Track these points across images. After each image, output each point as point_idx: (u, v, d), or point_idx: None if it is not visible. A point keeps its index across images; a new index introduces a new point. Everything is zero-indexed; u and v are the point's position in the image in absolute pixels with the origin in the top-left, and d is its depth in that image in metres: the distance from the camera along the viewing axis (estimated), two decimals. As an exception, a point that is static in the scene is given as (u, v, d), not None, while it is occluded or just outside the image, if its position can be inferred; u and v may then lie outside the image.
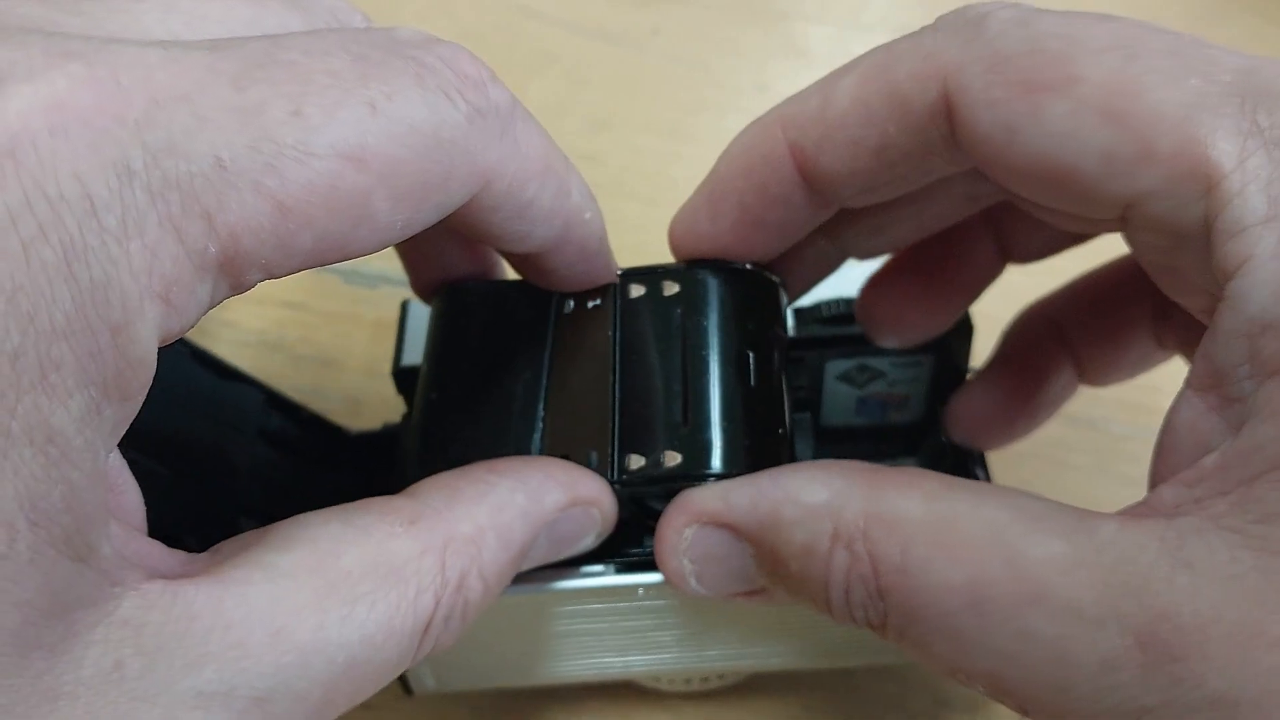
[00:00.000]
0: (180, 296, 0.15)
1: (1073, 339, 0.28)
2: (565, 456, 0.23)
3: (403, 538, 0.19)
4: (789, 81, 0.47)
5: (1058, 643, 0.17)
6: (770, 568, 0.21)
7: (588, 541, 0.23)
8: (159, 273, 0.15)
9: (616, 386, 0.23)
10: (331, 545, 0.18)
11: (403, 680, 0.27)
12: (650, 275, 0.24)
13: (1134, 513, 0.18)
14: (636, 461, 0.22)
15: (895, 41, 0.21)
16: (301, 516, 0.19)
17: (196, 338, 0.38)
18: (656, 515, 0.23)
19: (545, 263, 0.23)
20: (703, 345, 0.23)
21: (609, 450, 0.22)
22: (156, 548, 0.18)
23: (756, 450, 0.22)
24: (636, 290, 0.24)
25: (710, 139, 0.45)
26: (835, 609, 0.20)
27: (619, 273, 0.24)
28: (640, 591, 0.24)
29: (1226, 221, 0.17)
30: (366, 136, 0.16)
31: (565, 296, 0.25)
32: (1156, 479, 0.19)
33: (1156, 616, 0.16)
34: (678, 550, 0.22)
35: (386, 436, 0.27)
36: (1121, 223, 0.19)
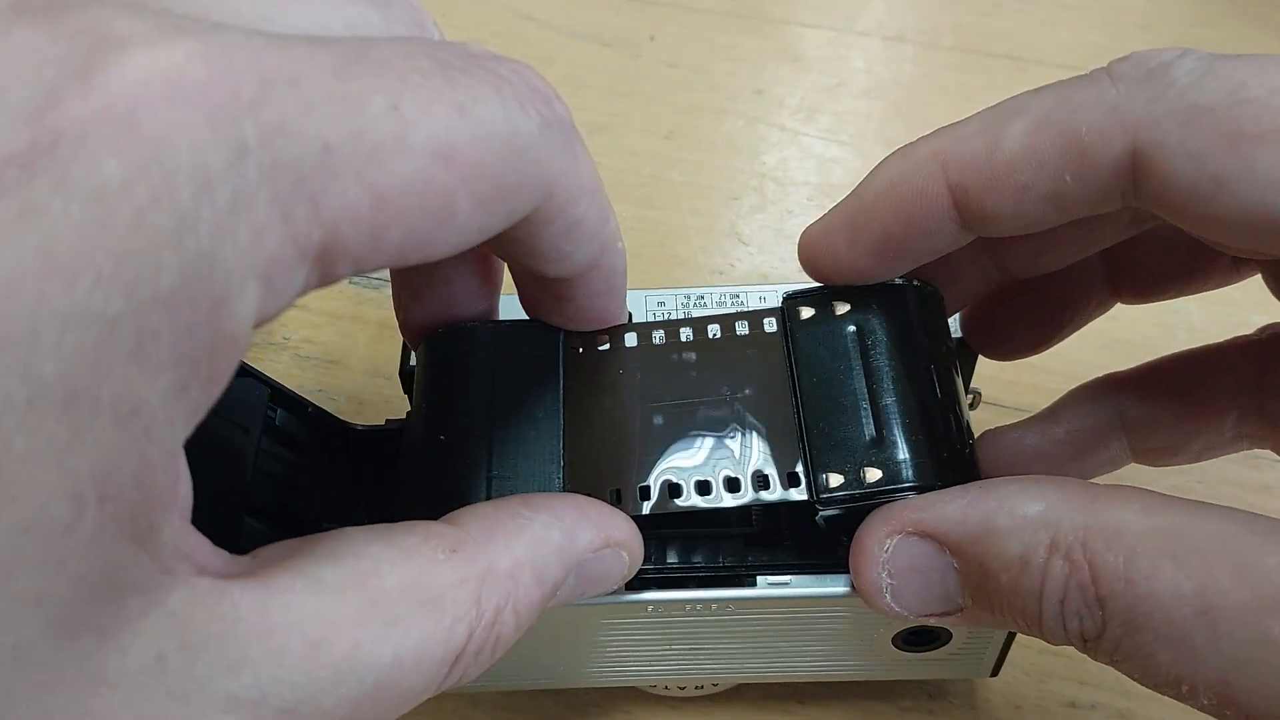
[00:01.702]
0: (280, 278, 0.15)
1: (1133, 423, 0.28)
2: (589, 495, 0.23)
3: (444, 565, 0.19)
4: (785, 85, 0.48)
5: None
6: (977, 581, 0.21)
7: (614, 585, 0.23)
8: (263, 252, 0.15)
9: (799, 407, 0.23)
10: (375, 564, 0.18)
11: None
12: (818, 296, 0.24)
13: None
14: (835, 479, 0.22)
15: (1066, 88, 0.21)
16: (344, 531, 0.19)
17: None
18: (842, 531, 0.23)
19: (571, 290, 0.23)
20: (885, 361, 0.23)
21: (792, 469, 0.22)
22: (204, 542, 0.18)
23: (951, 463, 0.23)
24: (806, 312, 0.24)
25: (707, 142, 0.46)
26: (1047, 621, 0.20)
27: (634, 320, 0.25)
28: (650, 608, 0.25)
29: None
30: (456, 136, 0.16)
31: (572, 338, 0.25)
32: None
33: None
34: (877, 561, 0.22)
35: (391, 432, 0.27)
36: None
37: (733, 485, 0.23)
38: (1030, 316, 0.28)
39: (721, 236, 0.43)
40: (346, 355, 0.39)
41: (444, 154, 0.16)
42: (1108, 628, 0.19)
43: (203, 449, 0.25)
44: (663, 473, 0.23)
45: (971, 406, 0.29)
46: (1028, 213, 0.21)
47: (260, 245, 0.15)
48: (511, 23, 0.50)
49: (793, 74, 0.48)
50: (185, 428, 0.15)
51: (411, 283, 0.25)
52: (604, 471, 0.23)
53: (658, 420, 0.24)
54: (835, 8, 0.51)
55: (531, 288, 0.24)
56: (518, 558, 0.20)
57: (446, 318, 0.25)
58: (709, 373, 0.24)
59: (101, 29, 0.14)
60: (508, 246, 0.21)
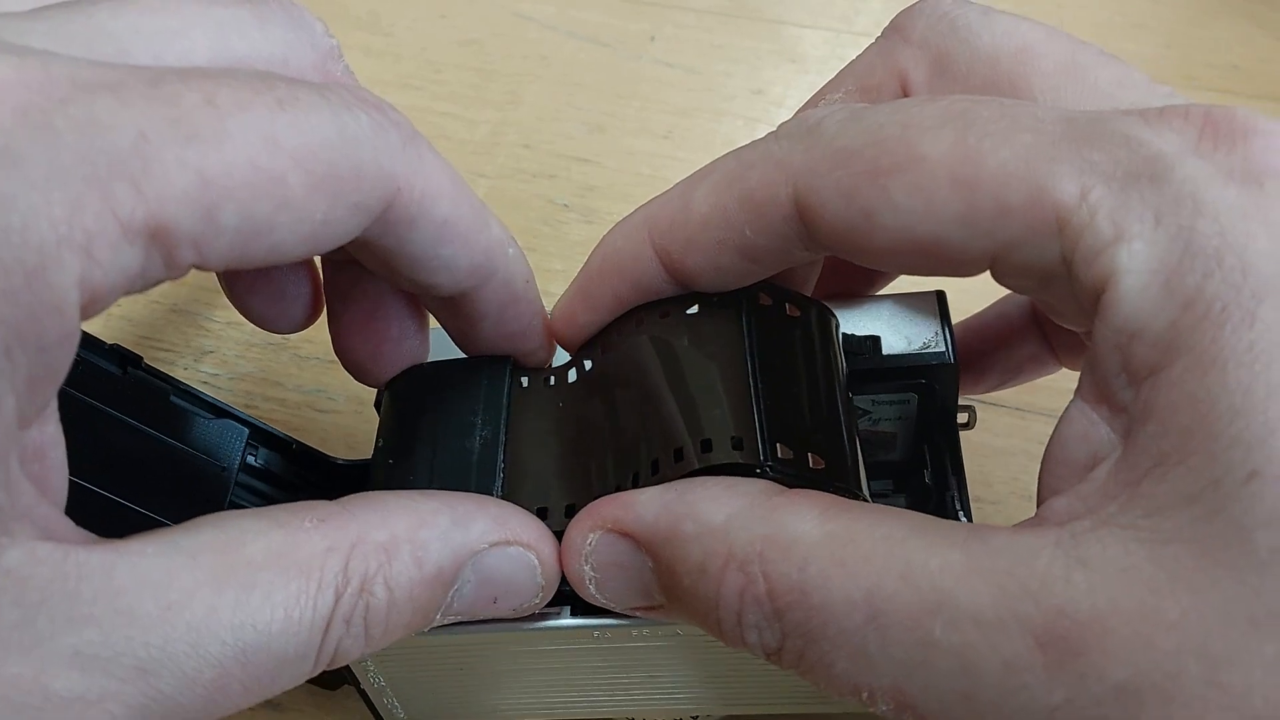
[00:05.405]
0: (104, 253, 0.16)
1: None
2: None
3: (311, 533, 0.19)
4: (783, 85, 0.48)
5: (959, 650, 0.17)
6: (666, 583, 0.21)
7: (527, 595, 0.22)
8: (80, 226, 0.15)
9: (756, 379, 0.23)
10: (238, 534, 0.18)
11: (374, 710, 0.28)
12: (778, 292, 0.24)
13: (1027, 523, 0.19)
14: (785, 452, 0.22)
15: (744, 149, 0.22)
16: (220, 513, 0.19)
17: (201, 337, 0.39)
18: None
19: (473, 307, 0.24)
20: (830, 373, 0.24)
21: (751, 436, 0.22)
22: (65, 523, 0.18)
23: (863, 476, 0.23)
24: (764, 299, 0.24)
25: (705, 143, 0.46)
26: (725, 630, 0.20)
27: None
28: (595, 634, 0.24)
29: (1083, 251, 0.18)
30: (276, 124, 0.17)
31: (520, 372, 0.25)
32: (1047, 491, 0.19)
33: (1054, 614, 0.16)
34: (580, 554, 0.22)
35: None
36: (991, 273, 0.20)
37: (678, 454, 0.22)
38: (978, 375, 0.30)
39: (719, 236, 0.43)
40: (346, 355, 0.39)
41: (266, 138, 0.17)
42: (787, 639, 0.19)
43: (174, 484, 0.25)
44: (591, 487, 0.23)
45: (968, 425, 0.30)
46: (725, 267, 0.23)
47: (76, 219, 0.15)
48: (511, 23, 0.50)
49: (791, 74, 0.48)
50: (21, 398, 0.16)
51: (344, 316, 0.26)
52: (533, 492, 0.23)
53: (592, 438, 0.24)
54: (832, 8, 0.51)
55: (449, 319, 0.25)
56: (394, 534, 0.20)
57: (379, 354, 0.26)
58: (641, 367, 0.24)
59: None
60: (389, 260, 0.21)
